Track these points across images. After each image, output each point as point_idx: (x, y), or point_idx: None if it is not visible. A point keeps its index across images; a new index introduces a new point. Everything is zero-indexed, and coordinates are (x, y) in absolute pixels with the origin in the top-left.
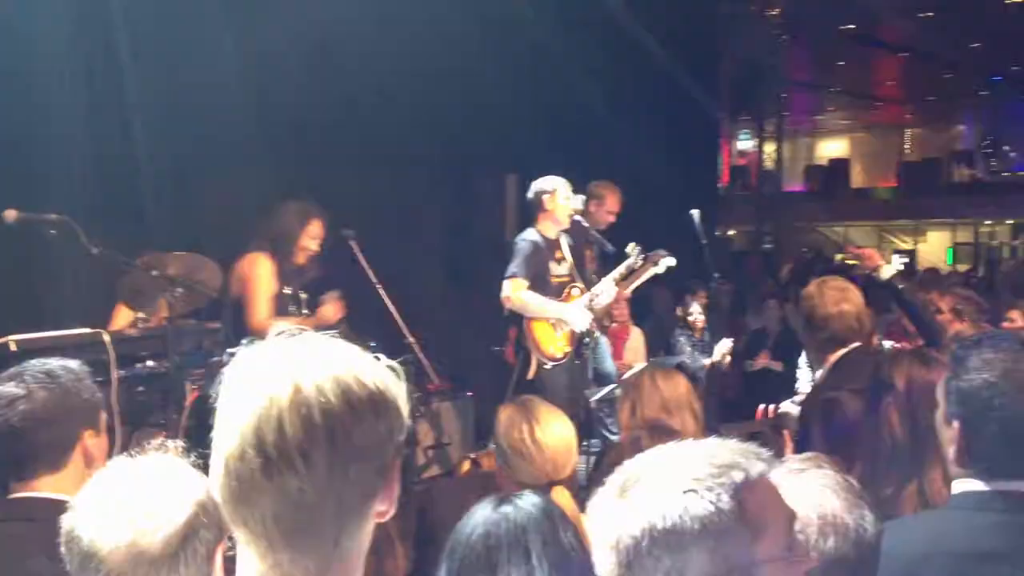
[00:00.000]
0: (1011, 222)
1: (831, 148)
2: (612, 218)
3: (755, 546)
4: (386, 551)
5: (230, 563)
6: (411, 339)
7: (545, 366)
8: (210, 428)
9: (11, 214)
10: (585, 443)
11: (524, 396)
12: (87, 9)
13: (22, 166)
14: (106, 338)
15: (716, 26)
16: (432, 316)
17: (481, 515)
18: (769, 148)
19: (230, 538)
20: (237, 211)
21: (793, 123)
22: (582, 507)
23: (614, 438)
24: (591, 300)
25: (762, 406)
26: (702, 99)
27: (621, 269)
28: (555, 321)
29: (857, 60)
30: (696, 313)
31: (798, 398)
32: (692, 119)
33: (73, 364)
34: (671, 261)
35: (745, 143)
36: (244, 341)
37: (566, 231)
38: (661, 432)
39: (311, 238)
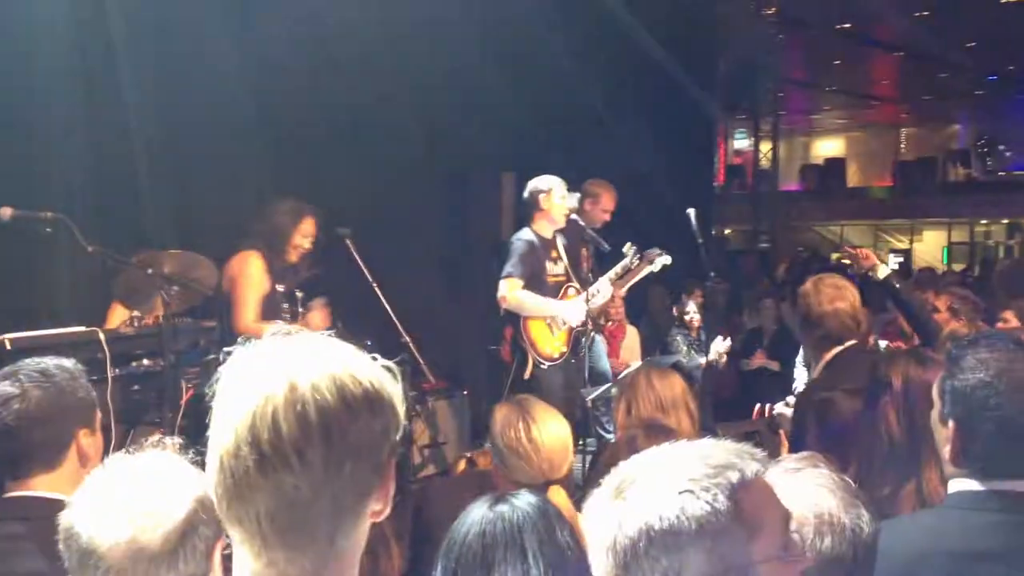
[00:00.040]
0: (1007, 221)
1: (827, 147)
2: (607, 217)
3: (751, 546)
4: (381, 550)
5: (228, 561)
6: (407, 338)
7: (541, 366)
8: (206, 426)
9: (6, 212)
10: (581, 442)
11: (520, 395)
12: (86, 8)
13: (19, 165)
14: (101, 337)
15: (712, 25)
16: (428, 315)
17: (477, 514)
18: (765, 147)
19: (228, 535)
20: (234, 210)
21: (789, 122)
22: (578, 506)
23: (610, 437)
24: (588, 299)
25: (759, 405)
26: (698, 98)
27: (617, 269)
28: (551, 321)
29: (853, 59)
30: (692, 312)
31: (792, 399)
32: (688, 118)
33: (68, 363)
34: (667, 260)
35: (741, 142)
36: (240, 339)
37: (562, 230)
38: (657, 431)
39: (304, 236)
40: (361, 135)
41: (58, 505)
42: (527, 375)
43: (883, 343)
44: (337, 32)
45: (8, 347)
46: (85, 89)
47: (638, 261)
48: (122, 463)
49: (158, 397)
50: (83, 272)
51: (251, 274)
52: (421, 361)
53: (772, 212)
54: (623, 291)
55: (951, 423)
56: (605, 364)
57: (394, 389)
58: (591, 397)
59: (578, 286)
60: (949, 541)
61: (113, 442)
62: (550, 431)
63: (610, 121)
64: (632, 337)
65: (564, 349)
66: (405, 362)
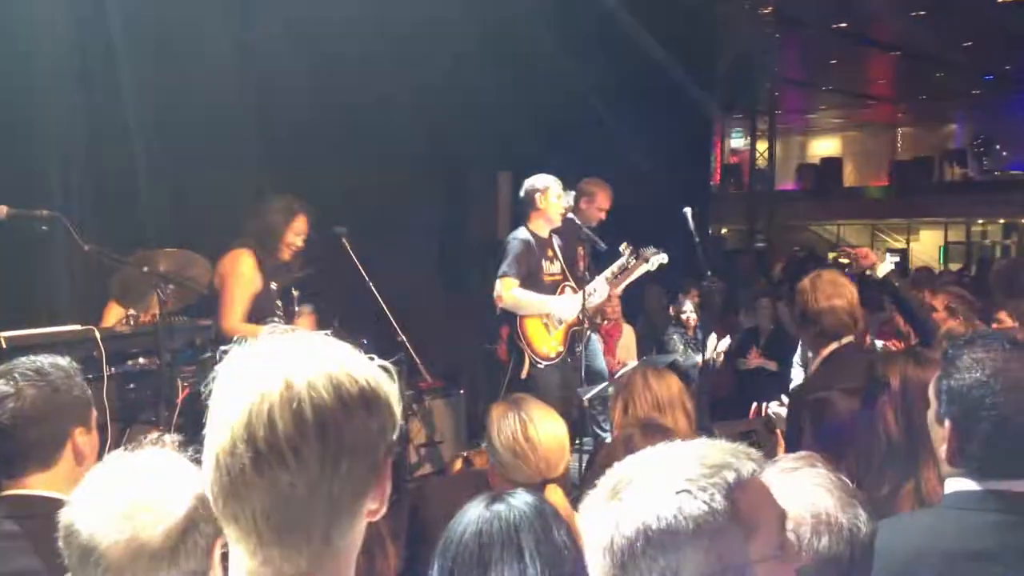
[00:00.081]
0: (1003, 221)
1: (823, 147)
2: (603, 215)
3: (748, 545)
4: (377, 550)
5: (227, 560)
6: (403, 337)
7: (538, 365)
8: (202, 425)
9: (2, 210)
10: (578, 441)
11: (516, 394)
12: (85, 7)
13: (16, 163)
14: (97, 335)
15: (709, 24)
16: (425, 314)
17: (474, 513)
18: (762, 146)
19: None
20: (231, 209)
21: (785, 121)
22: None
23: (606, 436)
24: (585, 297)
25: (755, 404)
26: (695, 97)
27: (614, 268)
28: (547, 320)
29: (850, 59)
30: (689, 311)
31: (786, 398)
32: (685, 117)
33: (63, 361)
34: (663, 258)
35: (738, 141)
36: (236, 338)
37: (558, 229)
38: (654, 431)
39: (297, 234)
40: (358, 134)
41: (54, 503)
42: (524, 374)
43: (879, 343)
44: (335, 32)
45: (4, 345)
46: (83, 88)
47: (634, 260)
48: (121, 461)
49: (154, 396)
50: (79, 271)
51: (241, 273)
52: (418, 360)
53: (768, 211)
54: (619, 290)
55: (947, 423)
56: (601, 363)
57: (391, 388)
58: (587, 396)
59: (574, 285)
60: (945, 541)
61: (109, 441)
62: (547, 430)
63: (606, 120)
64: (628, 336)
65: (561, 348)
66: (402, 361)
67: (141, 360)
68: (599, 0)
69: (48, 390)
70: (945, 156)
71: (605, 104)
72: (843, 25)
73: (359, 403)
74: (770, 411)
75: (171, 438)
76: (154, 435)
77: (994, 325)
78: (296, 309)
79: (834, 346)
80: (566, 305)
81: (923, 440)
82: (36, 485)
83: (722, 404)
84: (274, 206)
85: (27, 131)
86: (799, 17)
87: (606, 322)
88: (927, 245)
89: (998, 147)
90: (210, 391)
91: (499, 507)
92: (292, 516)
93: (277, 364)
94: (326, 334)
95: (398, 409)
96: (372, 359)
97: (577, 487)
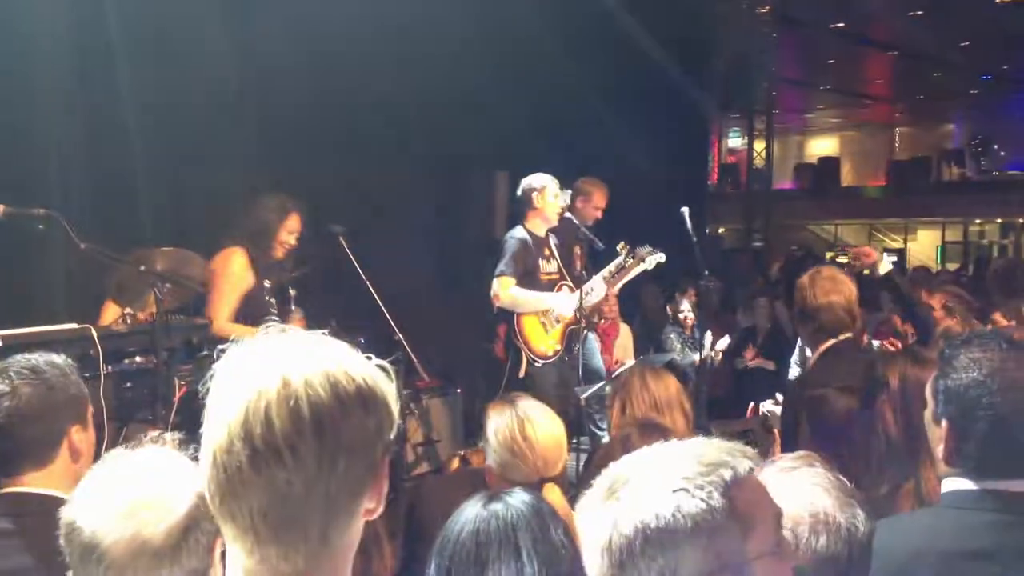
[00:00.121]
0: (1000, 221)
1: (821, 146)
2: (599, 214)
3: (745, 543)
4: (374, 549)
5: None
6: (400, 336)
7: (535, 363)
8: (199, 423)
9: None
10: (575, 440)
11: (513, 394)
12: (83, 7)
13: (13, 162)
14: (94, 334)
15: (707, 24)
16: (422, 313)
17: (471, 512)
18: (759, 146)
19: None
20: (228, 208)
21: (783, 121)
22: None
23: (602, 434)
24: (583, 296)
25: (752, 404)
26: (692, 97)
27: (611, 267)
28: (545, 318)
29: (847, 58)
30: (686, 311)
31: (780, 396)
32: (682, 117)
33: (58, 358)
34: (661, 257)
35: (735, 141)
36: (232, 338)
37: (555, 228)
38: (651, 430)
39: (290, 232)
40: (356, 133)
41: (50, 501)
42: (522, 373)
43: (876, 343)
44: (333, 31)
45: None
46: (81, 86)
47: (631, 259)
48: (123, 459)
49: (151, 394)
50: (76, 269)
51: (232, 271)
52: (415, 359)
53: (766, 211)
54: (616, 289)
55: (944, 422)
56: (598, 362)
57: (388, 387)
58: (585, 395)
59: (571, 284)
60: (942, 541)
61: (106, 439)
62: (545, 429)
63: (604, 120)
64: (626, 335)
65: (558, 347)
66: (399, 360)
67: (138, 359)
68: (597, 0)
69: (44, 388)
70: (943, 156)
71: (603, 103)
72: (841, 25)
73: (356, 401)
74: (764, 409)
75: (172, 436)
76: (155, 433)
77: (989, 326)
78: (292, 308)
79: (831, 342)
80: (564, 301)
81: (923, 440)
82: (33, 483)
83: (719, 404)
84: (267, 204)
85: (25, 129)
86: (797, 16)
87: (603, 321)
88: (924, 245)
89: (996, 147)
90: (208, 389)
91: (496, 506)
92: (289, 514)
93: (274, 362)
94: (324, 333)
95: (396, 408)
96: (370, 358)
97: (574, 486)
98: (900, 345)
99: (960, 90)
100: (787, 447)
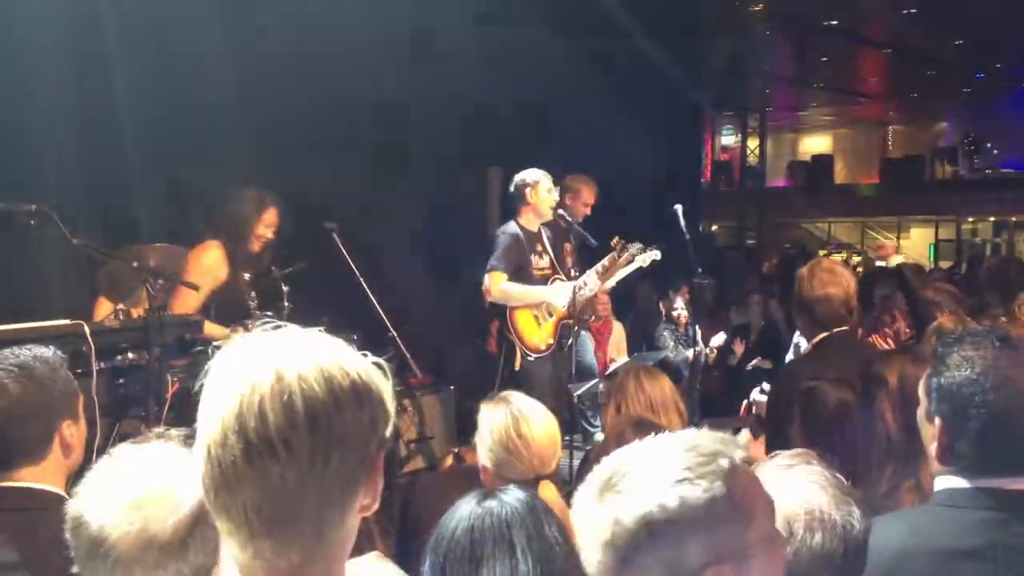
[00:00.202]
0: (993, 219)
1: (814, 144)
2: (587, 211)
3: (746, 531)
4: (367, 545)
5: None
6: (394, 332)
7: (528, 357)
8: (191, 420)
9: None
10: (568, 438)
11: (505, 392)
12: (78, 3)
13: (6, 158)
14: (86, 330)
15: (700, 21)
16: (415, 309)
17: (465, 509)
18: (752, 143)
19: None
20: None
21: (776, 118)
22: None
23: (595, 431)
24: (577, 290)
25: (745, 402)
26: (686, 94)
27: (604, 262)
28: (538, 312)
29: (840, 56)
30: (680, 308)
31: (767, 386)
32: (676, 114)
33: (47, 353)
34: (656, 255)
35: (728, 138)
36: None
37: (548, 224)
38: (646, 428)
39: (267, 226)
40: (349, 130)
41: (44, 496)
42: (517, 367)
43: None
44: (329, 29)
45: None
46: (76, 84)
47: (624, 255)
48: (129, 454)
49: (143, 390)
50: (70, 265)
51: (204, 264)
52: (408, 355)
53: (759, 208)
54: (610, 284)
55: (937, 421)
56: (591, 358)
57: (383, 384)
58: (578, 392)
59: (563, 279)
60: (936, 538)
61: (99, 435)
62: (540, 427)
63: (597, 117)
64: (619, 333)
65: (551, 341)
66: (392, 357)
67: (130, 355)
68: None
69: (33, 387)
70: (936, 154)
71: (596, 100)
72: (834, 22)
73: (350, 396)
74: (751, 398)
75: (177, 433)
76: (159, 429)
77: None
78: (286, 304)
79: (826, 335)
80: (556, 293)
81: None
82: (25, 479)
83: (713, 401)
84: (244, 198)
85: (19, 127)
86: (790, 14)
87: (593, 319)
88: (917, 243)
89: (989, 145)
90: (203, 385)
91: (491, 503)
92: (283, 509)
93: (268, 357)
94: (319, 329)
95: (391, 405)
96: (366, 355)
97: (568, 483)
98: (893, 339)
99: (953, 88)
100: (773, 437)
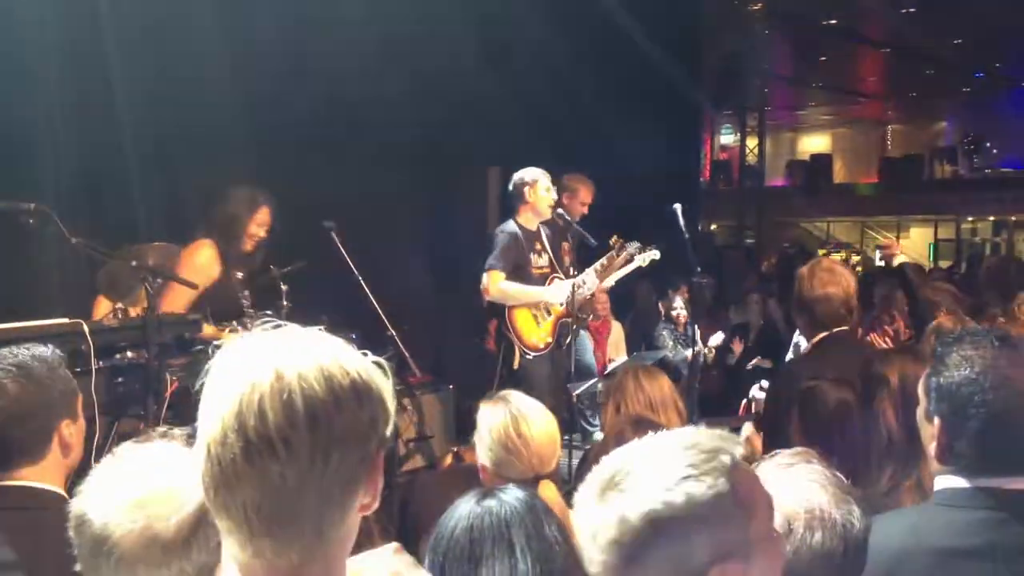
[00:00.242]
0: (993, 218)
1: (813, 143)
2: (584, 210)
3: (749, 528)
4: (367, 544)
5: None
6: (393, 331)
7: (527, 356)
8: (191, 418)
9: None
10: (567, 437)
11: (504, 391)
12: (76, 2)
13: (5, 157)
14: (85, 328)
15: (699, 20)
16: (414, 309)
17: (465, 508)
18: (751, 143)
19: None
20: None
21: (775, 118)
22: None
23: (593, 430)
24: (576, 288)
25: (744, 401)
26: (685, 93)
27: (603, 260)
28: (537, 311)
29: (840, 55)
30: (679, 308)
31: (766, 383)
32: (674, 113)
33: (46, 352)
34: (655, 255)
35: (727, 137)
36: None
37: (546, 223)
38: (645, 427)
39: (259, 225)
40: (349, 129)
41: (44, 494)
42: (515, 365)
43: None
44: (328, 27)
45: None
46: (73, 82)
47: (623, 255)
48: (132, 453)
49: (142, 389)
50: (69, 264)
51: (195, 262)
52: (407, 354)
53: (758, 208)
54: (610, 283)
55: (937, 420)
56: (590, 357)
57: (384, 383)
58: (577, 392)
59: (562, 277)
60: (935, 538)
61: (98, 434)
62: (539, 426)
63: (597, 116)
64: (617, 333)
65: (549, 339)
66: (391, 357)
67: (129, 354)
68: None
69: (32, 386)
70: (935, 153)
71: (595, 100)
72: (833, 22)
73: (350, 395)
74: (751, 395)
75: (180, 432)
76: (162, 429)
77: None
78: (285, 303)
79: (826, 334)
80: (554, 292)
81: None
82: (25, 478)
83: (711, 400)
84: (237, 197)
85: (17, 125)
86: (789, 13)
87: (592, 318)
88: (917, 242)
89: (988, 145)
90: (203, 384)
91: (490, 503)
92: (283, 508)
93: (268, 356)
94: (318, 328)
95: (391, 405)
96: (366, 354)
97: (567, 483)
98: (891, 338)
99: (953, 87)
100: (770, 436)
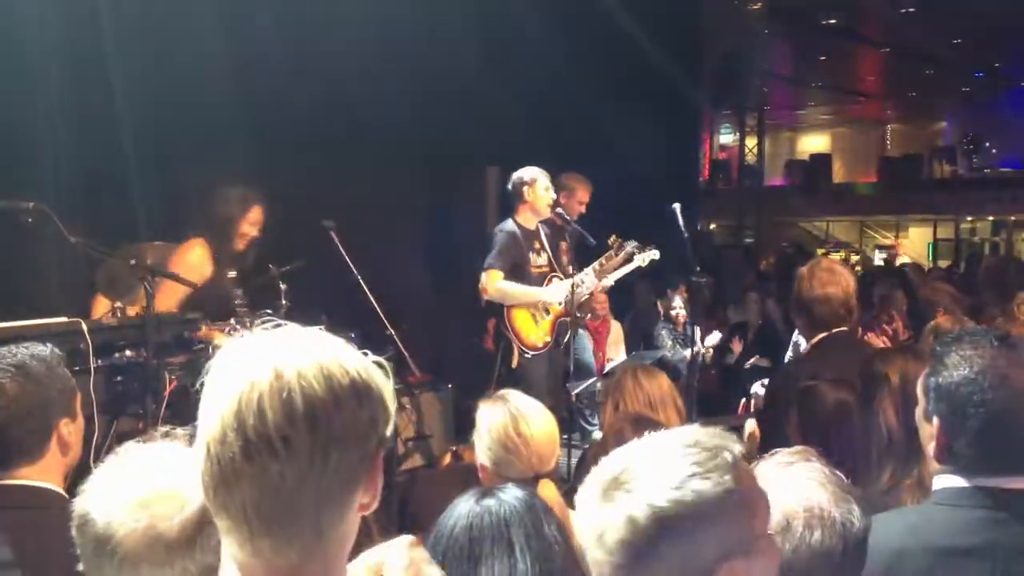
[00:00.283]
0: (992, 218)
1: (812, 143)
2: (582, 209)
3: (751, 525)
4: (366, 543)
5: None
6: (392, 331)
7: (526, 355)
8: (190, 417)
9: None
10: (565, 436)
11: (504, 390)
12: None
13: (4, 156)
14: (84, 327)
15: (698, 20)
16: (413, 308)
17: (464, 507)
18: (751, 142)
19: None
20: None
21: (774, 117)
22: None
23: (592, 429)
24: (575, 287)
25: (744, 400)
26: (684, 93)
27: (602, 259)
28: (535, 310)
29: (839, 55)
30: (678, 307)
31: (767, 381)
32: (674, 113)
33: (44, 351)
34: (654, 255)
35: (726, 137)
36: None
37: (545, 222)
38: (645, 425)
39: (251, 224)
40: (348, 128)
41: (44, 493)
42: (514, 364)
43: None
44: (326, 27)
45: None
46: (73, 82)
47: (621, 254)
48: (135, 452)
49: (141, 388)
50: (68, 263)
51: (187, 261)
52: (406, 353)
53: (757, 207)
54: (609, 282)
55: (935, 420)
56: (589, 356)
57: (383, 382)
58: (576, 391)
59: (561, 276)
60: (934, 537)
61: (96, 433)
62: (538, 425)
63: (596, 116)
64: (616, 332)
65: (548, 338)
66: (390, 356)
67: (128, 353)
68: None
69: (30, 385)
70: (934, 153)
71: (594, 99)
72: (832, 21)
73: (350, 394)
74: (751, 391)
75: (183, 431)
76: (165, 428)
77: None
78: (284, 303)
79: (825, 335)
80: (552, 291)
81: None
82: (24, 477)
83: (710, 400)
84: (229, 196)
85: (16, 124)
86: (788, 13)
87: (591, 317)
88: (916, 242)
89: (987, 144)
90: (202, 383)
91: (489, 502)
92: (282, 507)
93: (268, 355)
94: (318, 328)
95: (392, 404)
96: (366, 354)
97: (566, 482)
98: (890, 338)
99: (952, 87)
100: (769, 436)
